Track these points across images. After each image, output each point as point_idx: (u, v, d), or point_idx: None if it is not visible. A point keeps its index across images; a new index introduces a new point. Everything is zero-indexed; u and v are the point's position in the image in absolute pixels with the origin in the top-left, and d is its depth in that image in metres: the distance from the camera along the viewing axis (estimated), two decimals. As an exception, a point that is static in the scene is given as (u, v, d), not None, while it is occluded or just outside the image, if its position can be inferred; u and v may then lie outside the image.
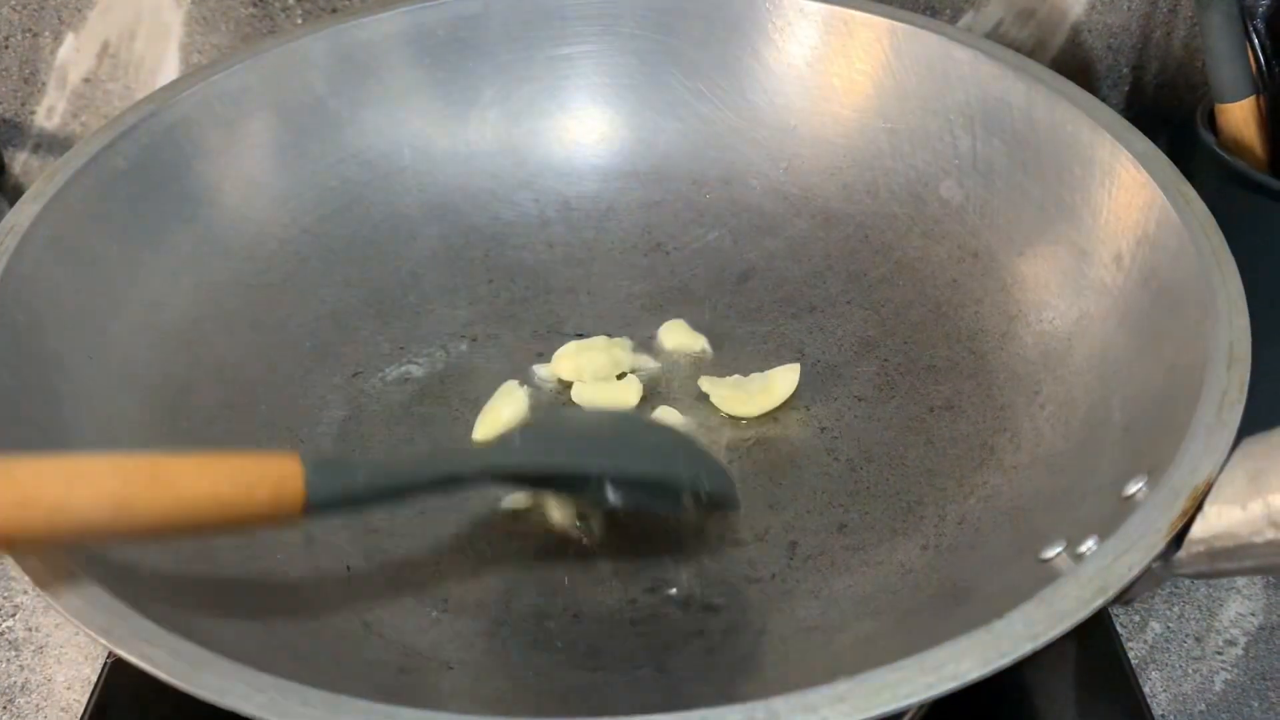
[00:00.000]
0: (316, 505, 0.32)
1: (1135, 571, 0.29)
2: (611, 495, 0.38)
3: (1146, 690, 0.47)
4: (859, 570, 0.40)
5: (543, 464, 0.38)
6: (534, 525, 0.43)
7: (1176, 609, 0.51)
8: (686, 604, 0.40)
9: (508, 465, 0.37)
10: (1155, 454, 0.33)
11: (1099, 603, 0.29)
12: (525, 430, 0.39)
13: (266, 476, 0.31)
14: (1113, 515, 0.32)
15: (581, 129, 0.56)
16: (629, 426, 0.43)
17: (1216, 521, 0.30)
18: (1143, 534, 0.30)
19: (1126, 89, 0.68)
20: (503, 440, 0.39)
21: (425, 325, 0.51)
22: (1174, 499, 0.31)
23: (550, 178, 0.55)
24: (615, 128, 0.56)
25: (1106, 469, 0.37)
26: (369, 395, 0.48)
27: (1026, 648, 0.28)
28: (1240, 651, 0.49)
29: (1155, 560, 0.30)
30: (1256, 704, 0.47)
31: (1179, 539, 0.31)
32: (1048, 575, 0.31)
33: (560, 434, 0.40)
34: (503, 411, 0.46)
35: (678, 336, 0.50)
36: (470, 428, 0.47)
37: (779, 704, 0.26)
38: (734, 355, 0.50)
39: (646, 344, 0.50)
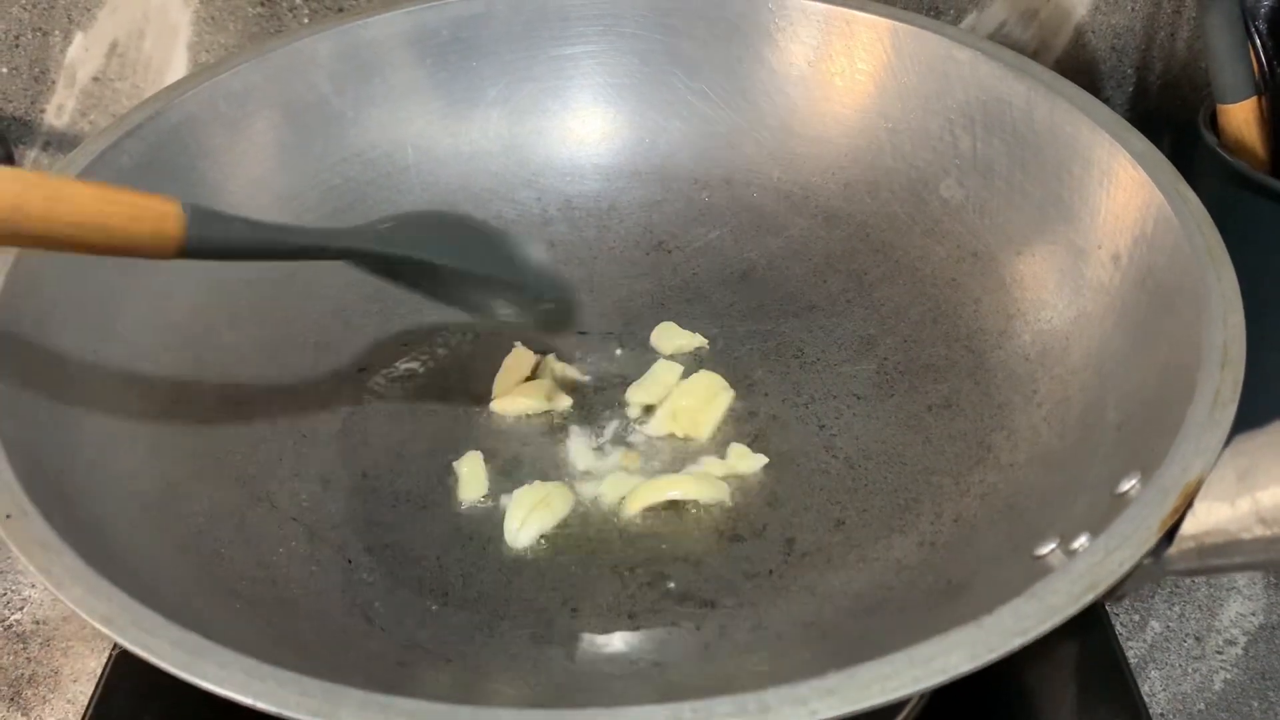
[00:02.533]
0: (192, 248, 0.36)
1: (1126, 568, 0.29)
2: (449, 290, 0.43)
3: (1146, 690, 0.47)
4: (855, 567, 0.41)
5: (395, 253, 0.41)
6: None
7: (1176, 608, 0.51)
8: (684, 599, 0.40)
9: (365, 248, 0.41)
10: (1148, 452, 0.34)
11: (1089, 598, 0.29)
12: (395, 222, 0.42)
13: (149, 211, 0.35)
14: (1105, 512, 0.32)
15: (584, 128, 0.56)
16: (482, 233, 0.46)
17: (1206, 518, 0.30)
18: (1134, 531, 0.30)
19: (1130, 90, 0.68)
20: (369, 227, 0.42)
21: (428, 322, 0.51)
22: (1165, 497, 0.31)
23: (552, 177, 0.56)
24: (617, 127, 0.56)
25: (1101, 467, 0.37)
26: (373, 391, 0.48)
27: (1015, 643, 0.28)
28: (1240, 651, 0.49)
29: (1146, 557, 0.30)
30: (1256, 704, 0.47)
31: (1170, 536, 0.31)
32: (1040, 571, 0.31)
33: (422, 230, 0.43)
34: (514, 373, 0.48)
35: (673, 339, 0.50)
36: (472, 424, 0.47)
37: (770, 696, 0.27)
38: (734, 353, 0.50)
39: (645, 344, 0.51)
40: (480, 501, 0.44)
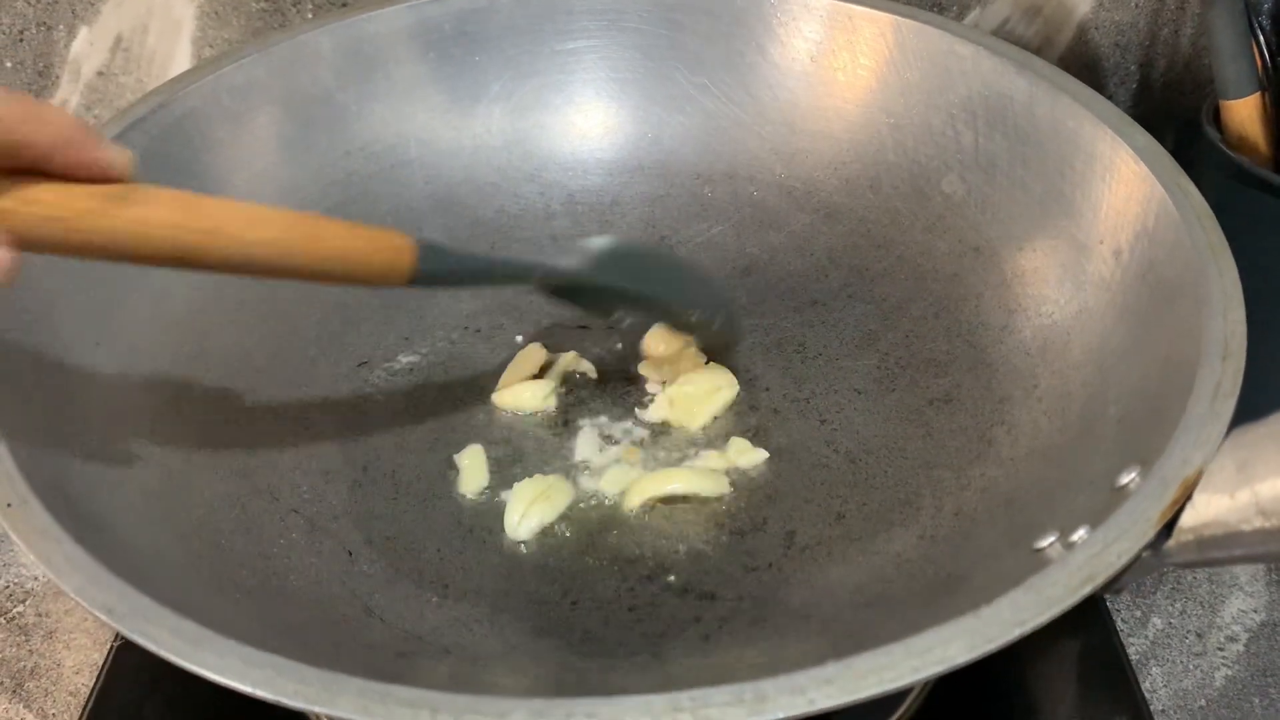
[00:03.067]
0: (420, 280, 0.39)
1: (1124, 560, 0.29)
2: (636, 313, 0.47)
3: (1147, 686, 0.47)
4: (855, 560, 0.41)
5: (589, 278, 0.44)
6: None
7: (1178, 604, 0.51)
8: (684, 592, 0.40)
9: (559, 271, 0.43)
10: (1148, 445, 0.34)
11: (1087, 590, 0.29)
12: (586, 250, 0.44)
13: (387, 244, 0.38)
14: (1105, 505, 0.32)
15: (586, 123, 0.56)
16: (666, 262, 0.50)
17: (1205, 510, 0.30)
18: (1133, 523, 0.30)
19: (1134, 86, 0.68)
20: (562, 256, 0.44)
21: (430, 316, 0.51)
22: (1164, 489, 0.31)
23: (555, 171, 0.56)
24: (620, 122, 0.56)
25: (1101, 460, 0.37)
26: (374, 385, 0.48)
27: (1013, 634, 0.28)
28: (1242, 647, 0.49)
29: (1145, 549, 0.30)
30: (1258, 700, 0.47)
31: (1169, 528, 0.31)
32: (1039, 564, 0.31)
33: (611, 261, 0.45)
34: (522, 368, 0.48)
35: (666, 342, 0.50)
36: (473, 417, 0.47)
37: (767, 686, 0.27)
38: (736, 347, 0.50)
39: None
40: (481, 494, 0.44)
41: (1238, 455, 0.30)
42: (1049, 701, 0.46)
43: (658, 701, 0.27)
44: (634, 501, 0.43)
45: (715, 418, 0.47)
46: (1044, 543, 0.35)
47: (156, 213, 0.33)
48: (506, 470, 0.45)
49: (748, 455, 0.45)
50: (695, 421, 0.46)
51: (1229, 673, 0.48)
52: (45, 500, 0.32)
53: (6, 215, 0.31)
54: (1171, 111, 0.68)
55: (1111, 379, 0.40)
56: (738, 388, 0.47)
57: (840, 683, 0.27)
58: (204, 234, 0.34)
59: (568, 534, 0.43)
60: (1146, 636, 0.50)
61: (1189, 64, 0.67)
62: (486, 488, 0.44)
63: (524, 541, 0.42)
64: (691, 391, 0.47)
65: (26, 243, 0.32)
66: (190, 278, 0.47)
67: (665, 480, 0.43)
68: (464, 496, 0.44)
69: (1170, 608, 0.51)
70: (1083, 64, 0.66)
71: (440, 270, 0.40)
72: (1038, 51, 0.64)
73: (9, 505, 0.32)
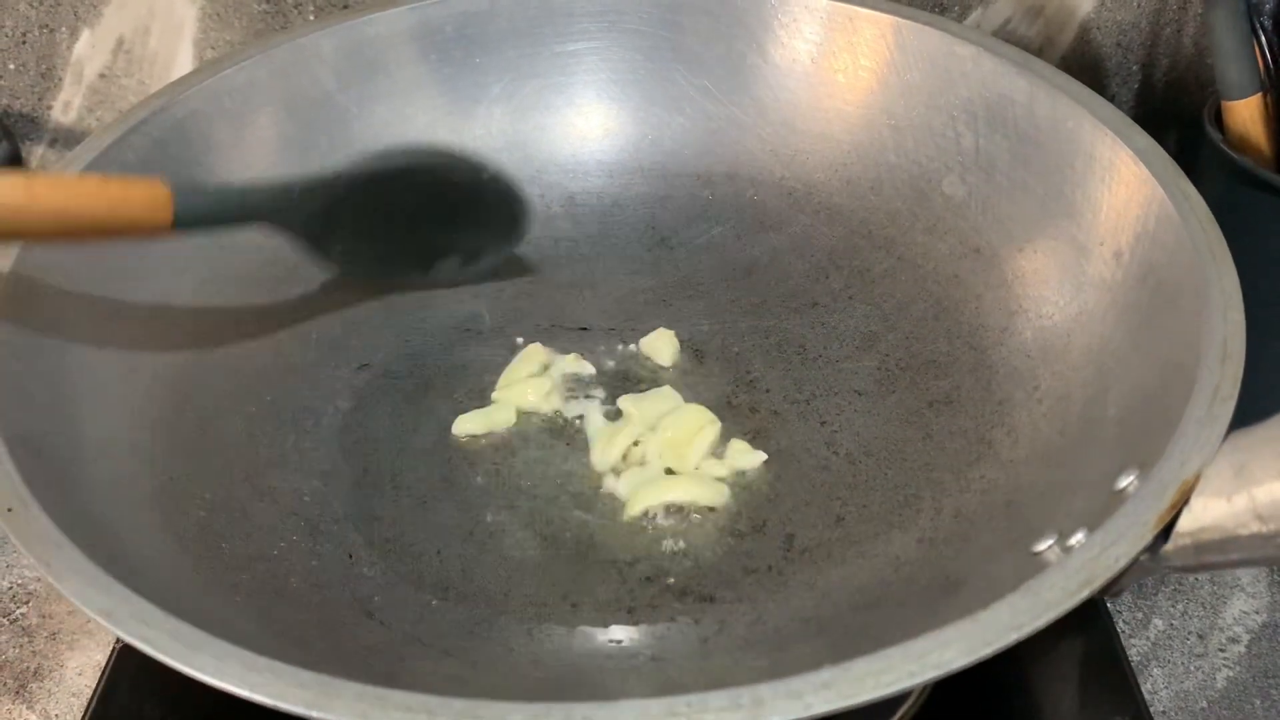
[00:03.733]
0: (181, 224, 0.40)
1: (1122, 564, 0.29)
2: None
3: (1148, 687, 0.47)
4: (855, 562, 0.41)
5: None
6: (534, 514, 0.43)
7: (1179, 606, 0.51)
8: (683, 594, 0.40)
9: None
10: (1147, 448, 0.34)
11: (1084, 594, 0.29)
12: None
13: (141, 194, 0.39)
14: (1103, 508, 0.32)
15: (587, 124, 0.56)
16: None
17: (1203, 514, 0.30)
18: (1130, 527, 0.30)
19: (1136, 86, 0.67)
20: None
21: (430, 319, 0.51)
22: (1162, 492, 0.31)
23: (555, 173, 0.56)
24: (620, 123, 0.56)
25: (1099, 463, 0.37)
26: (374, 387, 0.48)
27: (1010, 638, 0.28)
28: (1243, 649, 0.49)
29: (1142, 553, 0.30)
30: (1259, 702, 0.47)
31: (1166, 532, 0.31)
32: (1037, 567, 0.31)
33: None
34: (521, 370, 0.48)
35: (670, 346, 0.50)
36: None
37: (764, 690, 0.27)
38: (736, 350, 0.50)
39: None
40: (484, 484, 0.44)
41: (1235, 459, 0.30)
42: (1049, 703, 0.46)
43: (655, 706, 0.27)
44: (634, 510, 0.43)
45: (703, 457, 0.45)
46: (1042, 546, 0.35)
47: None
48: (506, 463, 0.45)
49: (746, 457, 0.45)
50: (687, 465, 0.45)
51: (1230, 674, 0.48)
52: (44, 504, 0.33)
53: None
54: (1174, 112, 0.68)
55: (1111, 381, 0.40)
56: (719, 423, 0.46)
57: (837, 687, 0.27)
58: None
59: (567, 536, 0.43)
60: (1147, 638, 0.50)
61: (1191, 64, 0.66)
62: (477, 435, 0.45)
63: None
64: (674, 437, 0.45)
65: None
66: (193, 278, 0.47)
67: (664, 490, 0.43)
68: (465, 498, 0.44)
69: (1171, 609, 0.51)
70: (1084, 64, 0.66)
71: (198, 209, 0.41)
72: (1039, 52, 0.64)
73: (9, 509, 0.32)
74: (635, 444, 0.45)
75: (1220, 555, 0.30)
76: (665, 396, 0.47)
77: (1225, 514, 0.30)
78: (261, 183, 0.46)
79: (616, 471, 0.45)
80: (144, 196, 0.39)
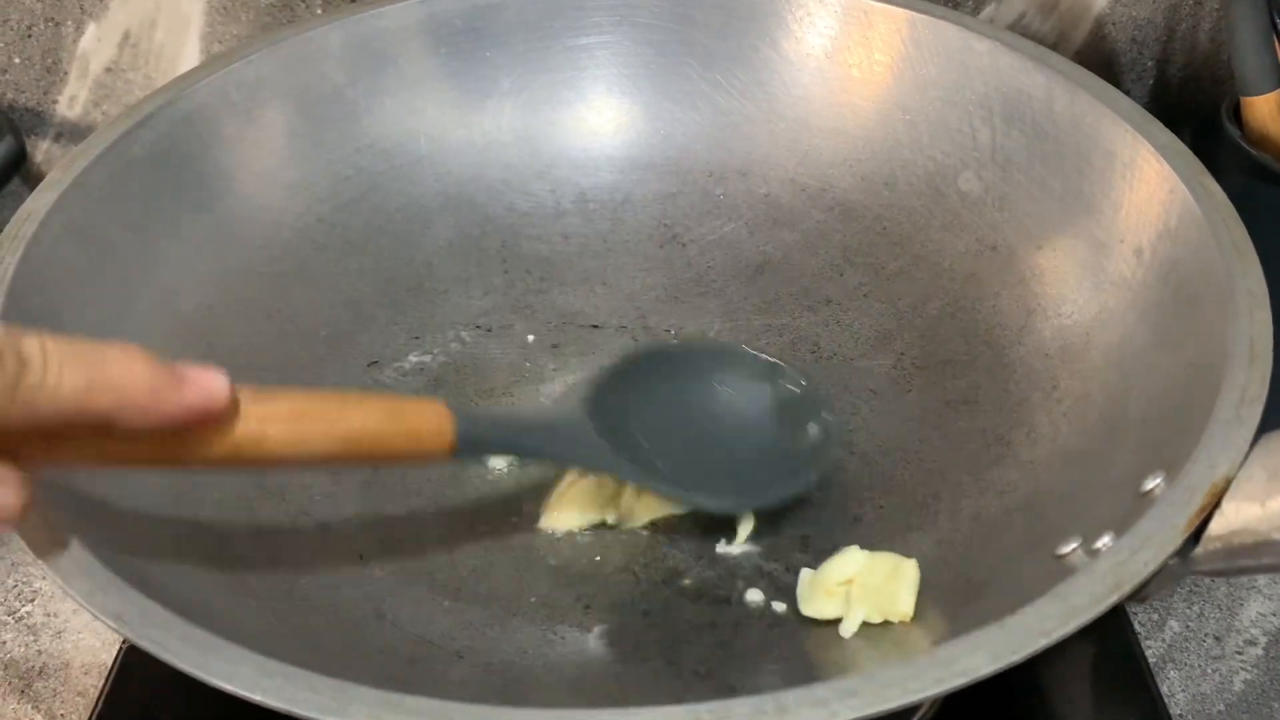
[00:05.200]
0: (462, 450, 0.36)
1: (1151, 568, 0.29)
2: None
3: (1164, 690, 0.47)
4: (872, 564, 0.40)
5: (658, 487, 0.41)
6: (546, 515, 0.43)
7: (1196, 608, 0.50)
8: (698, 596, 0.40)
9: (621, 474, 0.41)
10: (1173, 450, 0.33)
11: (1113, 599, 0.28)
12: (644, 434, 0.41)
13: (426, 424, 0.36)
14: (1129, 511, 0.32)
15: (598, 119, 0.56)
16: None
17: (1235, 518, 0.30)
18: (1159, 530, 0.30)
19: (1151, 82, 0.67)
20: (624, 442, 0.40)
21: (440, 315, 0.51)
22: (1191, 495, 0.31)
23: (566, 168, 0.55)
24: (632, 118, 0.56)
25: (1123, 465, 0.36)
26: (384, 384, 0.48)
27: (1039, 644, 0.27)
28: (1261, 651, 0.49)
29: (1172, 557, 0.29)
30: (1277, 705, 0.47)
31: (1196, 536, 0.31)
32: (1063, 571, 0.31)
33: (679, 453, 0.41)
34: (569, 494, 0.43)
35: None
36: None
37: (789, 697, 0.26)
38: (749, 348, 0.49)
39: (660, 336, 0.50)
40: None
41: (1269, 463, 0.30)
42: (1066, 705, 0.45)
43: (677, 714, 0.26)
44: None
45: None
46: (1066, 549, 0.34)
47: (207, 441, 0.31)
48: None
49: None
50: (903, 610, 0.38)
51: (1248, 677, 0.48)
52: (53, 506, 0.32)
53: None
54: (1189, 108, 0.67)
55: (1133, 381, 0.40)
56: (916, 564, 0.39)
57: (864, 694, 0.26)
58: (250, 449, 0.32)
59: (581, 537, 0.42)
60: (1164, 640, 0.49)
61: (1207, 60, 0.66)
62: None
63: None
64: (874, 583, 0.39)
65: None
66: (200, 276, 0.47)
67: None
68: (475, 499, 0.43)
69: (1188, 611, 0.50)
70: (1099, 59, 0.66)
71: (480, 447, 0.39)
72: (1053, 47, 0.63)
73: (17, 511, 0.32)
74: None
75: (1253, 560, 0.30)
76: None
77: (1259, 518, 0.29)
78: (546, 419, 0.43)
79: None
80: (429, 428, 0.36)
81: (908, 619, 0.38)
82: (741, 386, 0.44)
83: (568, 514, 0.43)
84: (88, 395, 0.27)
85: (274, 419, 0.32)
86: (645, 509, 0.42)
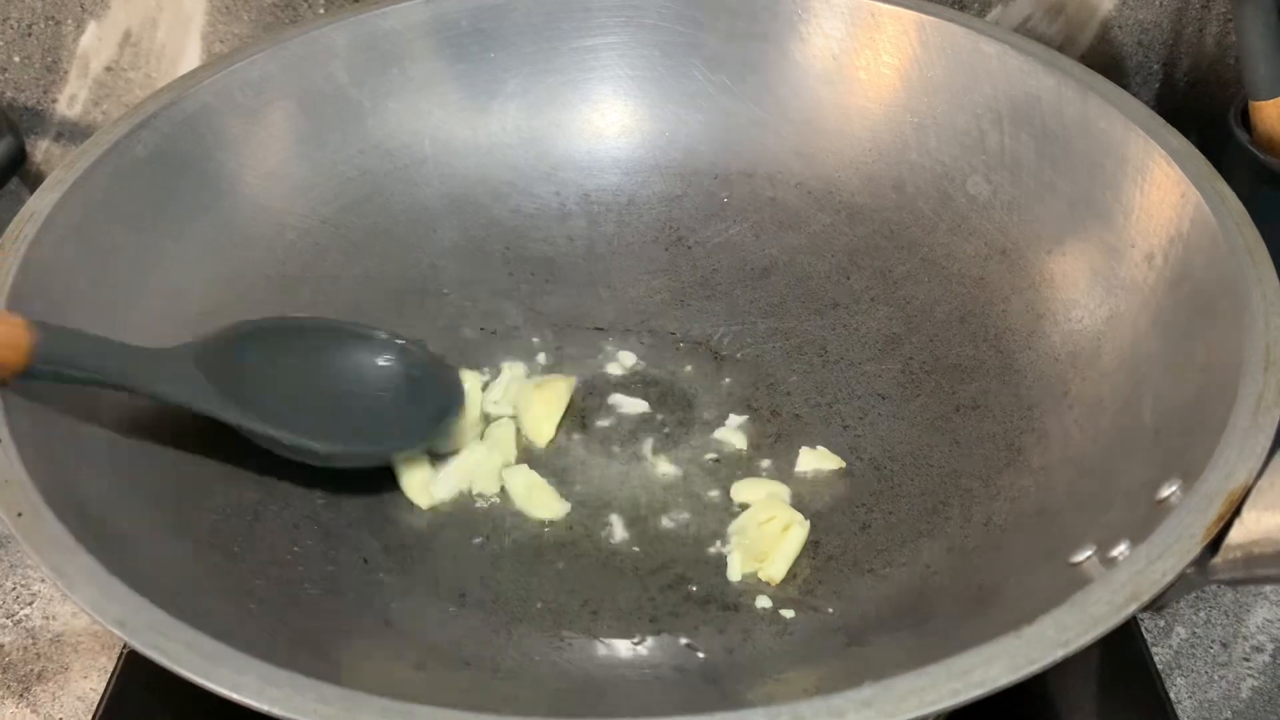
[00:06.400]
0: (39, 370, 0.35)
1: (1169, 577, 0.29)
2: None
3: (1171, 696, 0.47)
4: (882, 571, 0.40)
5: (255, 430, 0.40)
6: (553, 521, 0.43)
7: (1203, 614, 0.50)
8: (706, 602, 0.39)
9: (220, 416, 0.40)
10: (1189, 457, 0.33)
11: (1132, 608, 0.28)
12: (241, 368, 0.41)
13: None
14: (1145, 519, 0.32)
15: (603, 121, 0.55)
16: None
17: (1255, 527, 0.30)
18: (1177, 539, 0.30)
19: (1157, 86, 0.67)
20: (234, 391, 0.40)
21: (444, 317, 0.50)
22: (1209, 504, 0.30)
23: (571, 170, 0.55)
24: (637, 120, 0.55)
25: (1138, 472, 0.36)
26: (387, 387, 0.47)
27: (1057, 654, 0.27)
28: (1268, 658, 0.49)
29: (1190, 566, 0.29)
30: (1284, 712, 0.47)
31: (1215, 544, 0.30)
32: (1078, 579, 0.31)
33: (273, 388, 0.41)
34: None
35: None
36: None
37: (804, 708, 0.26)
38: (755, 352, 0.49)
39: (666, 339, 0.50)
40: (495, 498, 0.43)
41: (1290, 471, 0.30)
42: (1073, 711, 0.45)
43: (691, 724, 0.26)
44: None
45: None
46: (1080, 556, 0.34)
47: None
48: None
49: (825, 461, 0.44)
50: (772, 573, 0.40)
51: (1255, 683, 0.48)
52: (56, 509, 0.32)
53: None
54: (1195, 112, 0.67)
55: (1146, 388, 0.39)
56: (808, 524, 0.41)
57: (879, 705, 0.26)
58: None
59: (587, 543, 0.42)
60: (1170, 646, 0.49)
61: (1213, 63, 0.66)
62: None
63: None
64: (762, 534, 0.41)
65: None
66: (203, 279, 0.46)
67: None
68: (480, 505, 0.43)
69: (1194, 617, 0.50)
70: (1105, 63, 0.65)
71: (62, 363, 0.36)
72: (1060, 50, 0.63)
73: (19, 514, 0.31)
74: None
75: (1272, 569, 0.29)
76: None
77: (1279, 527, 0.29)
78: (148, 353, 0.40)
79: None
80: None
81: (775, 582, 0.40)
82: (359, 359, 0.44)
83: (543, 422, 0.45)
84: None
85: None
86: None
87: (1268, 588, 0.51)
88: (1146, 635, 0.49)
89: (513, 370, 0.48)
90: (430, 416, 0.44)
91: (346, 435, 0.42)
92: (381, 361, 0.44)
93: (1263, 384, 0.33)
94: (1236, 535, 0.30)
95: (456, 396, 0.45)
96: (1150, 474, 0.34)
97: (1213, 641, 0.49)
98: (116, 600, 0.29)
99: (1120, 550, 0.32)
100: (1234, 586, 0.50)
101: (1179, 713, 0.46)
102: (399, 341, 0.45)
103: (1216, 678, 0.48)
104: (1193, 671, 0.48)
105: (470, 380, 0.46)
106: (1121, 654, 0.47)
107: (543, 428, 0.45)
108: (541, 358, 0.49)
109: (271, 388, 0.41)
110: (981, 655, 0.27)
